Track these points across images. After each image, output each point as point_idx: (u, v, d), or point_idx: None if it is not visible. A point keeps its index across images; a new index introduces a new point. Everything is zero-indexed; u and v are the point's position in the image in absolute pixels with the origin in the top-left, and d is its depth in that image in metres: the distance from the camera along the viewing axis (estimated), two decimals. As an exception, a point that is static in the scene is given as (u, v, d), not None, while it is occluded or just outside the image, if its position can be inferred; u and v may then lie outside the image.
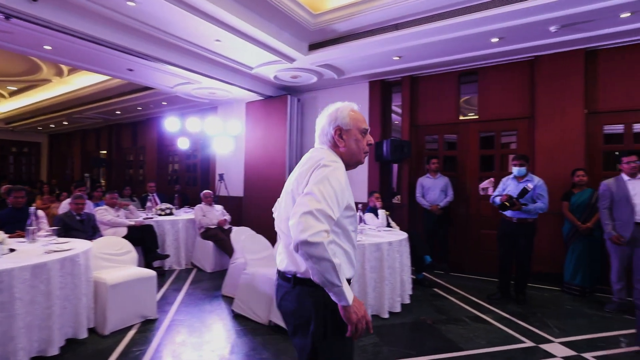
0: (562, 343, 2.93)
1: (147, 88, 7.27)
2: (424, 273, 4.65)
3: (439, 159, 5.37)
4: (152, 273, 3.30)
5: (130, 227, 4.63)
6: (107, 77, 7.02)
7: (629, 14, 3.73)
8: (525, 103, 4.99)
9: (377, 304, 3.41)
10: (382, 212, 4.51)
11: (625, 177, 3.63)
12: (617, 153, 4.47)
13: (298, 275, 1.30)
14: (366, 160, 6.08)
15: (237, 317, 3.36)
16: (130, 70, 5.64)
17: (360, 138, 1.42)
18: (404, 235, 3.88)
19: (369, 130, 1.46)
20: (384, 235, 3.79)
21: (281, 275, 1.38)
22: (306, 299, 1.28)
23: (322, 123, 1.44)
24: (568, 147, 4.59)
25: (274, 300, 3.03)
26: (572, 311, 3.68)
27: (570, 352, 2.77)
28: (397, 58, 5.07)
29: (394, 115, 6.78)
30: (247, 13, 4.06)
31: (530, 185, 3.62)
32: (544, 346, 2.87)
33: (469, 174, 5.38)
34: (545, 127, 4.75)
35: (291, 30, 4.61)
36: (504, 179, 4.00)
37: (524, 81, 5.00)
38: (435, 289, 4.34)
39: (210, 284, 4.42)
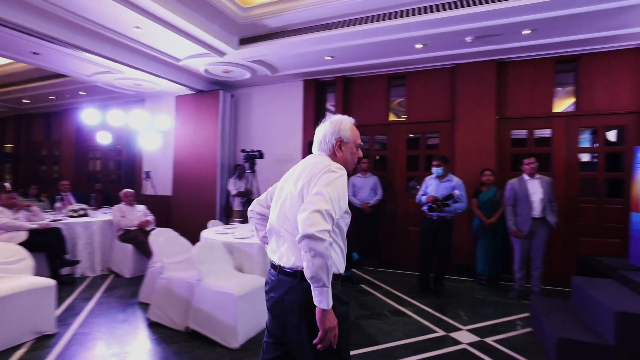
0: (469, 330, 3.17)
1: (60, 75, 6.52)
2: (352, 270, 4.76)
3: (370, 158, 5.54)
4: (50, 282, 2.95)
5: (31, 231, 4.11)
6: (9, 60, 6.18)
7: (529, 32, 4.15)
8: (447, 107, 5.34)
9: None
10: (312, 211, 4.52)
11: (526, 177, 4.04)
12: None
13: (299, 267, 1.38)
14: (299, 159, 6.14)
15: (153, 325, 3.14)
16: (36, 54, 5.01)
17: (354, 151, 1.59)
18: (330, 233, 3.92)
19: (361, 145, 1.63)
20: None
21: (283, 271, 1.43)
22: (305, 288, 1.33)
23: (325, 132, 1.56)
24: (482, 149, 5.00)
25: (191, 305, 2.93)
26: (481, 300, 4.01)
27: (475, 338, 3.01)
28: (329, 58, 5.13)
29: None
30: (170, 0, 3.81)
31: (456, 192, 3.86)
32: (454, 334, 3.08)
33: (397, 174, 5.63)
34: (463, 130, 5.12)
35: (220, 23, 4.43)
36: (426, 179, 4.23)
37: (446, 87, 5.35)
38: (363, 285, 4.46)
39: (128, 290, 4.09)
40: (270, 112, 6.46)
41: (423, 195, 4.08)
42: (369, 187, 5.35)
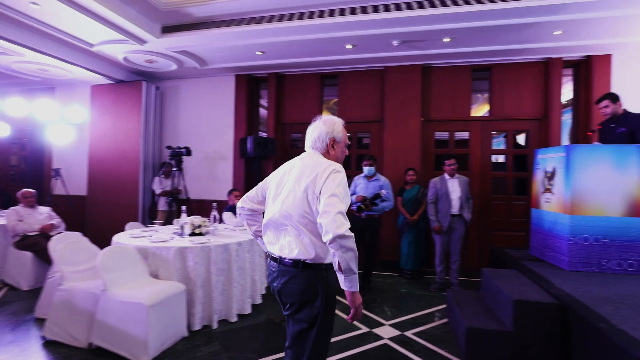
0: (391, 325, 3.27)
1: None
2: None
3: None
4: None
5: None
6: None
7: (449, 39, 4.41)
8: (377, 108, 5.50)
9: (225, 308, 3.24)
10: (241, 211, 4.35)
11: (446, 176, 4.29)
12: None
13: (307, 261, 1.54)
14: (231, 156, 5.91)
15: (49, 345, 2.76)
16: None
17: (344, 149, 1.74)
18: (258, 234, 3.80)
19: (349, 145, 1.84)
20: (237, 234, 3.64)
21: (284, 262, 1.58)
22: (315, 280, 1.54)
23: (319, 131, 1.68)
24: (408, 149, 5.23)
25: (94, 319, 2.62)
26: (405, 294, 4.18)
27: (396, 332, 3.11)
28: (260, 53, 4.98)
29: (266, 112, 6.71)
30: (73, -24, 3.39)
31: (384, 192, 3.95)
32: (376, 330, 3.15)
33: (330, 172, 5.66)
34: (391, 131, 5.31)
35: (138, 7, 4.06)
36: (355, 178, 4.29)
37: (376, 88, 5.50)
38: (293, 285, 4.40)
39: (23, 305, 3.57)
40: (200, 107, 6.13)
41: (352, 195, 4.13)
42: None
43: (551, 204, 3.59)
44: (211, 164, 6.03)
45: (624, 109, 3.56)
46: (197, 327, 3.04)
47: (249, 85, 5.94)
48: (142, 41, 4.56)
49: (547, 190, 3.66)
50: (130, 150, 5.87)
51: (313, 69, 5.63)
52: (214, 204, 3.90)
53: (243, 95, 5.88)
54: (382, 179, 4.20)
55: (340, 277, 1.46)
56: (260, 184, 1.81)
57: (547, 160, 3.69)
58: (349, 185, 4.25)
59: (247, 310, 3.40)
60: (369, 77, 5.52)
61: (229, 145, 5.95)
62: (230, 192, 4.63)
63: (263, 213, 1.76)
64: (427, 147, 5.36)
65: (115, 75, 5.79)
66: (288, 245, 1.57)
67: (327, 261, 1.58)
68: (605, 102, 3.59)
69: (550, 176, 3.61)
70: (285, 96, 5.87)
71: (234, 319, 3.25)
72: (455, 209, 4.17)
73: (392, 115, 5.31)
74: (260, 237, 1.79)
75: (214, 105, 6.05)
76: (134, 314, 2.54)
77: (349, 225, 1.42)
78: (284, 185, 1.63)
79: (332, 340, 2.92)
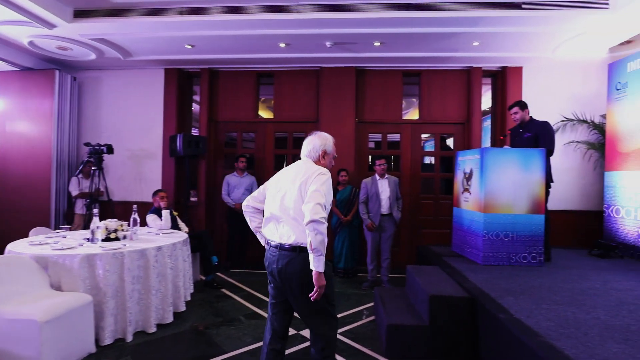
0: (319, 325, 3.26)
1: None
2: (218, 273, 4.50)
3: (247, 157, 5.34)
4: None
5: None
6: None
7: (379, 44, 4.54)
8: (313, 108, 5.50)
9: (142, 318, 3.00)
10: (166, 213, 4.09)
11: (377, 177, 4.40)
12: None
13: (303, 245, 1.82)
14: (160, 155, 5.55)
15: None
16: None
17: (332, 161, 2.14)
18: (181, 237, 3.58)
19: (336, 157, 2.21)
20: (159, 239, 3.40)
21: (283, 247, 1.89)
22: (308, 263, 1.77)
23: (314, 143, 2.06)
24: (343, 150, 5.29)
25: None
26: (337, 293, 4.21)
27: (323, 333, 3.10)
28: (190, 47, 4.73)
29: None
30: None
31: None
32: (303, 332, 3.12)
33: (266, 173, 5.55)
34: (326, 131, 5.26)
35: (43, -14, 3.62)
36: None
37: (312, 88, 5.50)
38: (224, 290, 4.24)
39: None
40: (125, 101, 5.66)
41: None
42: (244, 186, 5.16)
43: (469, 203, 3.83)
44: (138, 163, 5.60)
45: (531, 116, 3.92)
46: (107, 341, 2.77)
47: (180, 80, 5.62)
48: (50, 25, 4.08)
49: (466, 190, 3.91)
50: (40, 148, 5.24)
51: (248, 66, 5.48)
52: (134, 206, 3.61)
53: (173, 91, 5.54)
54: None
55: (311, 257, 1.73)
56: (261, 186, 2.13)
57: (466, 161, 3.94)
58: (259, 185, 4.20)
59: (169, 319, 3.18)
60: (305, 77, 5.50)
61: (158, 143, 5.57)
62: (155, 193, 4.32)
63: (262, 212, 2.09)
64: (361, 148, 5.49)
65: (21, 62, 5.13)
66: (286, 234, 1.90)
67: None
68: (515, 109, 3.93)
69: (468, 177, 3.86)
70: (219, 93, 5.64)
71: (153, 330, 3.02)
72: (385, 209, 4.30)
73: (327, 116, 5.34)
74: (260, 232, 2.10)
75: (141, 99, 5.63)
76: (23, 333, 2.23)
77: (324, 215, 1.75)
78: (281, 185, 1.96)
79: (255, 345, 2.85)
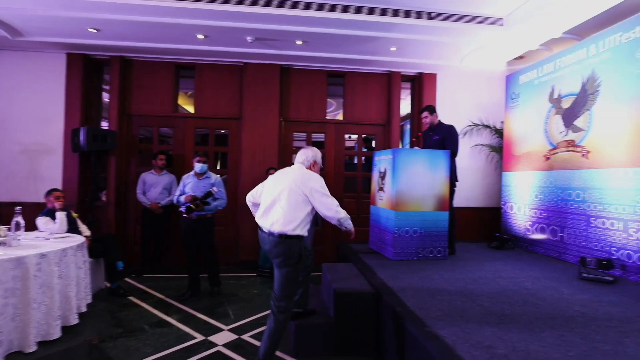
0: (231, 329, 3.14)
1: None
2: (127, 279, 4.13)
3: (166, 154, 4.97)
4: None
5: None
6: None
7: (301, 42, 4.54)
8: (236, 105, 5.33)
9: (18, 337, 2.60)
10: (60, 215, 3.64)
11: (296, 175, 4.39)
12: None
13: (288, 233, 2.28)
14: (60, 151, 4.96)
15: None
16: None
17: (318, 170, 2.55)
18: (76, 241, 3.21)
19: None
20: (47, 244, 3.01)
21: (272, 234, 2.32)
22: (293, 246, 2.29)
23: (307, 154, 2.52)
24: (267, 148, 5.21)
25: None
26: (256, 294, 4.12)
27: (233, 337, 2.99)
28: (94, 31, 4.28)
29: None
30: None
31: (215, 189, 3.76)
32: (213, 337, 2.98)
33: (186, 171, 5.23)
34: (250, 129, 5.21)
35: None
36: (184, 177, 3.98)
37: (236, 84, 5.33)
38: (132, 297, 3.90)
39: None
40: (16, 88, 4.94)
41: (181, 195, 3.84)
42: (162, 185, 4.80)
43: (383, 201, 3.99)
44: (32, 159, 4.93)
45: (439, 120, 4.20)
46: (-31, 367, 2.37)
47: (87, 67, 5.07)
48: None
49: (381, 189, 4.07)
50: None
51: (166, 56, 5.13)
52: (17, 208, 3.14)
53: (77, 79, 4.97)
54: (214, 177, 3.96)
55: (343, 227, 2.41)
56: (260, 184, 2.59)
57: (381, 161, 4.10)
58: (178, 185, 4.00)
59: (55, 334, 2.81)
60: (228, 72, 5.31)
61: (59, 137, 4.96)
62: (49, 193, 3.82)
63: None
64: (286, 147, 5.45)
65: None
66: (276, 223, 2.30)
67: (300, 234, 2.32)
68: (425, 113, 4.18)
69: (383, 176, 4.02)
70: (133, 84, 5.20)
71: (32, 349, 2.64)
72: (305, 208, 4.31)
73: (251, 113, 5.21)
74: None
75: (36, 87, 4.96)
76: None
77: (340, 209, 2.36)
78: (278, 184, 2.38)
79: (156, 356, 2.66)
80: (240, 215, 5.20)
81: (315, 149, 2.61)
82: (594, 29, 3.95)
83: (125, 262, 4.39)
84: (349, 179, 5.68)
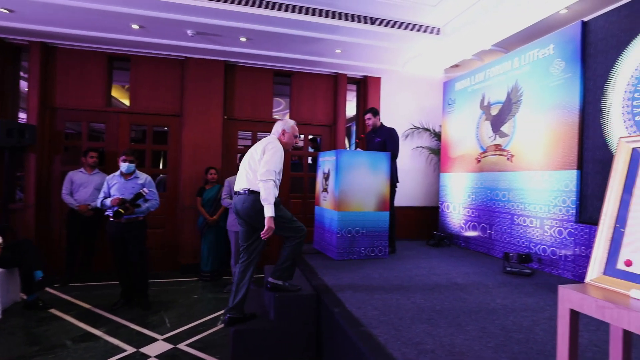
0: (166, 339, 2.98)
1: None
2: (49, 289, 3.72)
3: (98, 152, 4.55)
4: None
5: None
6: None
7: (245, 39, 4.43)
8: (177, 101, 5.06)
9: None
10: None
11: (240, 176, 4.28)
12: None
13: (252, 189, 2.59)
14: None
15: None
16: None
17: (292, 138, 2.84)
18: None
19: (298, 137, 2.97)
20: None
21: (239, 193, 2.65)
22: (257, 200, 2.52)
23: (277, 125, 2.82)
24: (210, 147, 5.02)
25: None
26: (196, 300, 3.95)
27: (168, 347, 2.84)
28: (7, 11, 3.81)
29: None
30: None
31: (145, 190, 3.52)
32: (145, 348, 2.80)
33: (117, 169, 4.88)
34: (192, 126, 4.98)
35: None
36: (108, 178, 3.62)
37: (176, 79, 5.06)
38: (54, 310, 3.54)
39: None
40: None
41: (106, 197, 3.52)
42: (93, 185, 4.39)
43: (327, 201, 4.03)
44: None
45: (382, 123, 4.33)
46: None
47: (0, 52, 4.51)
48: None
49: (325, 189, 4.10)
50: None
51: (97, 46, 4.72)
52: None
53: (-12, 65, 4.41)
54: (143, 177, 3.66)
55: (264, 207, 2.48)
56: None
57: (325, 162, 4.14)
58: (102, 187, 3.61)
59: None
60: (168, 67, 5.02)
61: (-36, 130, 4.35)
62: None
63: None
64: (231, 145, 5.30)
65: None
66: (242, 184, 2.64)
67: None
68: (368, 115, 4.29)
69: (327, 177, 4.06)
70: (57, 74, 4.72)
71: None
72: (249, 209, 4.21)
73: (193, 110, 4.99)
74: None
75: None
76: None
77: (271, 177, 2.49)
78: (247, 154, 2.73)
79: (78, 374, 2.43)
80: (180, 216, 4.96)
81: (286, 119, 2.88)
82: (517, 43, 4.33)
83: (48, 271, 3.98)
84: (295, 179, 5.66)
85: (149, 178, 3.68)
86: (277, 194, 2.60)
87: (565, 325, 1.36)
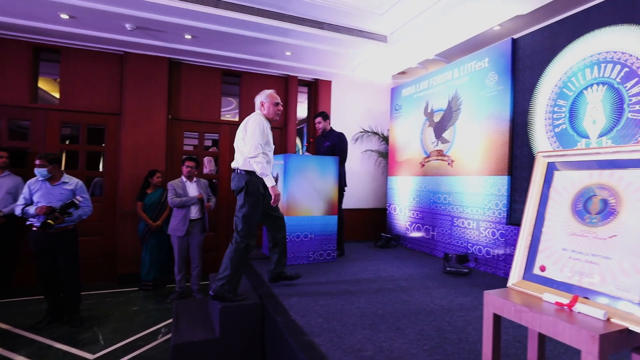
0: (99, 357, 2.76)
1: None
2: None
3: (10, 151, 4.07)
4: None
5: None
6: None
7: (190, 37, 4.24)
8: (115, 98, 4.72)
9: None
10: None
11: (184, 179, 4.09)
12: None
13: (240, 169, 2.70)
14: None
15: None
16: None
17: (271, 106, 2.84)
18: None
19: (279, 104, 2.89)
20: None
21: (233, 170, 2.77)
22: (243, 178, 2.68)
23: (255, 100, 2.89)
24: (153, 148, 4.75)
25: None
26: (136, 312, 3.71)
27: (100, 367, 2.63)
28: None
29: None
30: None
31: (79, 198, 3.21)
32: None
33: (47, 172, 4.44)
34: (132, 126, 4.67)
35: None
36: (29, 183, 3.21)
37: (115, 75, 4.71)
38: (-37, 332, 3.13)
39: None
40: None
41: (27, 205, 3.13)
42: (4, 189, 3.93)
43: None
44: None
45: (331, 127, 4.36)
46: None
47: None
48: None
49: (273, 193, 4.04)
50: None
51: (20, 34, 4.26)
52: None
53: None
54: (73, 182, 3.31)
55: (265, 179, 2.66)
56: None
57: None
58: (22, 192, 3.22)
59: None
60: (105, 61, 4.66)
61: None
62: None
63: None
64: (176, 147, 5.05)
65: None
66: (234, 162, 2.76)
67: (249, 169, 2.66)
68: (318, 119, 4.30)
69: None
70: (-30, 64, 4.19)
71: None
72: (193, 213, 4.04)
73: (134, 108, 4.68)
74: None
75: None
76: None
77: (260, 151, 2.61)
78: (238, 131, 2.79)
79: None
80: (119, 223, 4.63)
81: (264, 91, 2.88)
82: (458, 54, 4.58)
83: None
84: (245, 182, 5.52)
85: (80, 183, 3.36)
86: (273, 173, 2.90)
87: (489, 329, 1.45)
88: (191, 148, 5.79)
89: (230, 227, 5.30)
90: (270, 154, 2.76)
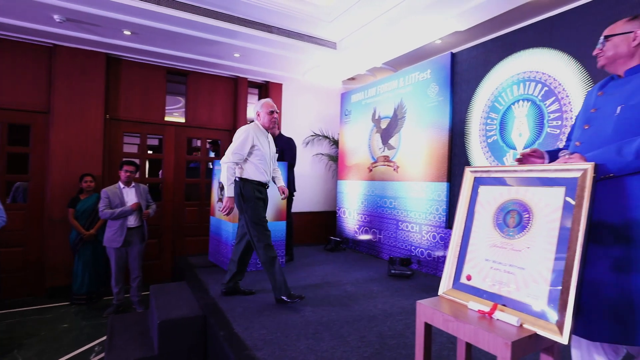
0: (17, 385, 2.50)
1: None
2: None
3: None
4: None
5: None
6: None
7: (130, 33, 3.99)
8: (43, 94, 4.30)
9: None
10: None
11: (121, 185, 3.84)
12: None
13: (236, 177, 2.82)
14: None
15: None
16: None
17: (266, 115, 2.92)
18: None
19: (274, 112, 2.96)
20: None
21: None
22: (238, 184, 2.81)
23: (253, 110, 2.98)
24: (87, 151, 4.39)
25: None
26: (65, 329, 3.41)
27: (19, 395, 2.39)
28: None
29: None
30: None
31: None
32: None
33: (-41, 176, 3.95)
34: (63, 126, 4.29)
35: None
36: None
37: (42, 69, 4.29)
38: None
39: None
40: None
41: None
42: None
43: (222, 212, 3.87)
44: None
45: (280, 132, 4.33)
46: None
47: None
48: None
49: (220, 199, 3.93)
50: None
51: None
52: None
53: None
54: None
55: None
56: None
57: (220, 171, 3.96)
58: None
59: None
60: (31, 54, 4.23)
61: None
62: None
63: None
64: (115, 149, 4.72)
65: None
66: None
67: (244, 177, 2.83)
68: (267, 124, 4.24)
69: (222, 187, 3.89)
70: None
71: None
72: (131, 221, 3.80)
73: (65, 106, 4.30)
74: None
75: None
76: None
77: (232, 160, 2.76)
78: None
79: None
80: (47, 231, 4.23)
81: (260, 100, 2.99)
82: (404, 64, 4.77)
83: None
84: (191, 186, 5.31)
85: None
86: (265, 179, 2.88)
87: (420, 337, 1.52)
88: (135, 150, 5.45)
89: (176, 232, 5.07)
90: (262, 163, 2.86)
